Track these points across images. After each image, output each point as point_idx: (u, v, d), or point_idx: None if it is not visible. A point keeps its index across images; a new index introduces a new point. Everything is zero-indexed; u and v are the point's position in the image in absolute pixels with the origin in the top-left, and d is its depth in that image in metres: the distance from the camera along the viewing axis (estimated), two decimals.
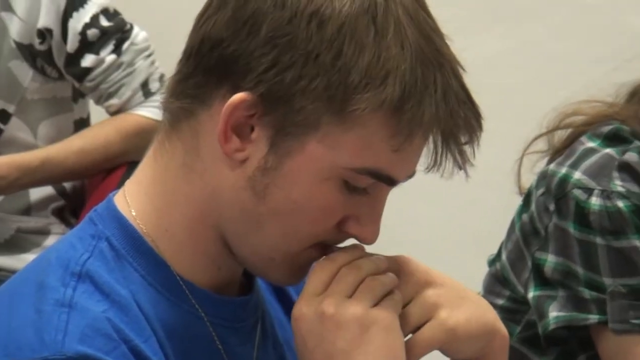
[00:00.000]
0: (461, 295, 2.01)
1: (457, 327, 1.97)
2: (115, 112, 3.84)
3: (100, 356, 1.83)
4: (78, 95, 3.92)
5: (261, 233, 1.92)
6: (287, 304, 2.08)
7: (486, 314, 2.03)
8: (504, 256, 2.79)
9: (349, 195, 1.89)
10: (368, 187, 1.90)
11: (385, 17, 1.84)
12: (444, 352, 2.01)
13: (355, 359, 1.90)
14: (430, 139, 1.88)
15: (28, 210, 3.90)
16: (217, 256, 1.97)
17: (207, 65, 1.89)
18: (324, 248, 1.94)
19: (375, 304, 1.91)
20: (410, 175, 1.93)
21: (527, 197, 2.75)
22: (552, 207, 2.66)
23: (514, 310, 2.75)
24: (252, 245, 1.94)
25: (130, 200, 1.99)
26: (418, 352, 1.96)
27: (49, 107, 3.88)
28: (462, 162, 1.89)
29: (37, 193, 3.90)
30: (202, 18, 1.91)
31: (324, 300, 1.90)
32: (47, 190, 3.90)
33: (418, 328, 1.97)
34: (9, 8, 3.71)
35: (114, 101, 3.82)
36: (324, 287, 1.91)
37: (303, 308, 1.91)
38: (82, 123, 3.96)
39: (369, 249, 1.98)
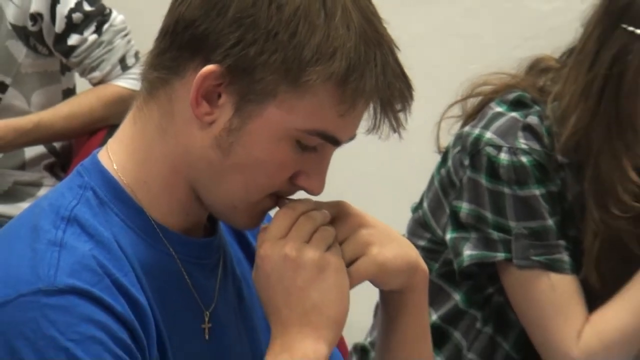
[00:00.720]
0: (389, 236, 2.02)
1: (385, 262, 1.99)
2: (97, 83, 3.85)
3: (87, 288, 1.83)
4: (65, 69, 3.93)
5: (225, 185, 1.92)
6: (245, 245, 2.10)
7: (410, 252, 2.04)
8: (425, 204, 2.80)
9: (300, 153, 1.90)
10: (317, 146, 1.91)
11: (333, 3, 1.86)
12: (374, 283, 2.02)
13: (310, 295, 1.90)
14: (371, 107, 1.89)
15: (23, 166, 3.90)
16: (187, 204, 1.97)
17: (182, 42, 1.90)
18: (278, 198, 1.95)
19: (327, 250, 1.92)
20: (352, 137, 1.94)
21: (445, 155, 2.77)
22: (466, 162, 2.66)
23: (433, 250, 2.76)
24: (217, 194, 1.94)
25: (113, 156, 1.98)
26: (352, 283, 1.96)
27: (40, 79, 3.88)
28: (396, 126, 1.92)
29: (31, 151, 3.90)
30: (177, 1, 1.91)
31: (286, 244, 1.91)
32: (40, 149, 3.91)
33: (352, 262, 1.96)
34: None
35: (96, 74, 3.83)
36: (285, 232, 1.92)
37: (268, 250, 1.91)
38: (69, 92, 3.96)
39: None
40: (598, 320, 2.60)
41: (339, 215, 1.99)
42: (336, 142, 1.92)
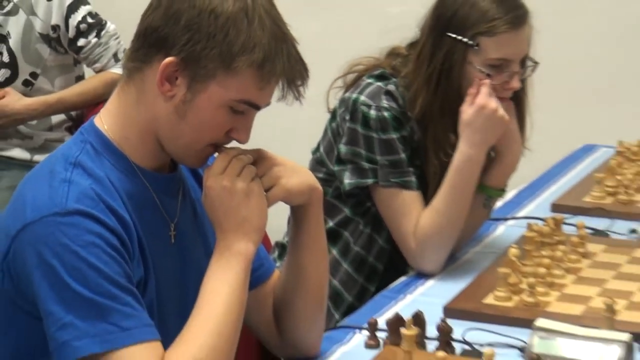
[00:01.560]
0: (294, 170, 2.03)
1: (291, 189, 2.00)
2: (98, 71, 3.82)
3: (88, 210, 1.84)
4: (76, 62, 3.88)
5: (182, 138, 1.93)
6: (198, 178, 2.07)
7: (309, 179, 2.05)
8: (321, 148, 2.78)
9: (233, 115, 1.91)
10: (244, 110, 1.91)
11: (253, 13, 1.87)
12: (285, 202, 2.03)
13: (241, 211, 1.91)
14: (280, 83, 1.91)
15: (51, 128, 3.87)
16: (155, 151, 1.96)
17: (150, 42, 1.90)
18: (217, 147, 1.95)
19: (251, 181, 1.93)
20: (268, 104, 1.94)
21: (333, 113, 2.75)
22: (347, 117, 2.66)
23: (328, 180, 2.73)
24: (176, 145, 1.94)
25: (104, 120, 1.98)
26: (269, 204, 1.98)
27: (60, 69, 3.84)
28: (298, 96, 1.93)
29: (55, 118, 3.87)
30: (146, 14, 1.93)
31: (224, 178, 1.91)
32: (61, 116, 3.87)
33: (269, 189, 1.98)
34: (34, 13, 3.69)
35: (97, 65, 3.81)
36: (223, 170, 1.92)
37: (212, 182, 1.92)
38: (80, 78, 3.91)
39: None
40: (428, 213, 2.61)
41: (259, 158, 1.99)
42: (257, 107, 1.93)
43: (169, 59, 1.88)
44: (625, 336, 2.07)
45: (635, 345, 2.10)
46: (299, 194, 2.03)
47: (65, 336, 1.79)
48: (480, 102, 2.55)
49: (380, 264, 2.74)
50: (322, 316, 2.14)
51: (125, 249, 1.87)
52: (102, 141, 1.95)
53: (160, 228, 1.98)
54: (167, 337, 1.84)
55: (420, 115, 2.64)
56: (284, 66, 1.90)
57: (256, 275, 2.08)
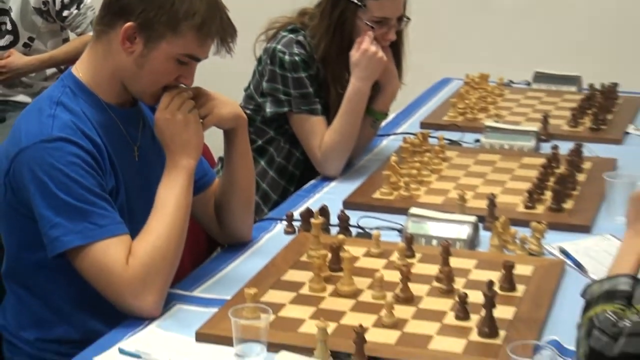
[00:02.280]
0: (225, 102, 1.97)
1: (222, 116, 1.94)
2: (79, 35, 3.67)
3: (69, 137, 1.79)
4: (63, 28, 3.72)
5: (140, 83, 1.86)
6: (152, 111, 1.97)
7: (236, 110, 1.99)
8: (251, 86, 2.69)
9: (180, 66, 1.85)
10: (188, 62, 1.85)
11: None
12: (217, 127, 1.97)
13: (182, 136, 1.86)
14: (215, 41, 1.85)
15: (46, 78, 3.71)
16: (120, 92, 1.89)
17: (113, 11, 1.84)
18: (167, 87, 1.88)
19: (190, 112, 1.87)
20: (206, 57, 1.88)
21: (259, 60, 2.66)
22: (268, 62, 2.58)
23: (257, 110, 2.64)
24: (136, 88, 1.88)
25: (79, 69, 1.91)
26: (204, 129, 1.92)
27: (50, 34, 3.68)
28: (229, 50, 1.87)
29: (49, 71, 3.71)
30: None
31: (167, 111, 1.85)
32: (54, 69, 3.71)
33: (204, 118, 1.92)
34: None
35: (79, 30, 3.65)
36: (168, 105, 1.86)
37: (159, 115, 1.86)
38: (66, 40, 3.75)
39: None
40: (329, 132, 2.55)
41: (197, 94, 1.92)
42: (198, 59, 1.88)
43: (128, 24, 1.81)
44: (472, 218, 2.10)
45: (480, 224, 2.13)
46: (229, 121, 1.98)
47: (56, 233, 1.75)
48: (364, 47, 2.51)
49: (298, 171, 2.69)
50: (251, 212, 2.10)
51: (99, 166, 1.82)
52: (78, 85, 1.88)
53: (126, 149, 1.92)
54: (135, 232, 1.82)
55: (322, 57, 2.57)
56: (218, 28, 1.84)
57: (201, 183, 2.03)
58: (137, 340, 1.69)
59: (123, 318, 1.77)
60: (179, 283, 1.91)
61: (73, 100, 1.85)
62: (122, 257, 1.75)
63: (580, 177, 2.44)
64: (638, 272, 1.64)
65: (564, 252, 2.02)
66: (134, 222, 1.85)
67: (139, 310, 1.76)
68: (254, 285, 1.82)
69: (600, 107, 2.98)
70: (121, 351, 1.66)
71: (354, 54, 2.52)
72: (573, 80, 3.35)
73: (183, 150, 1.86)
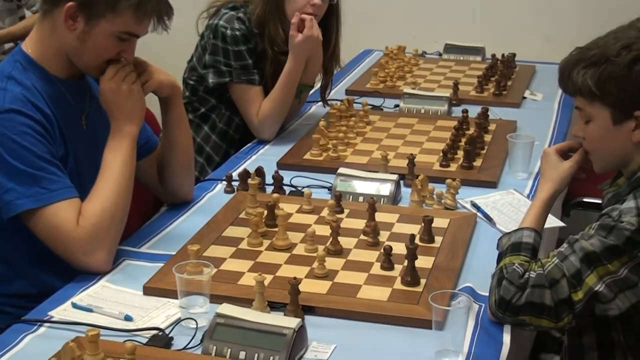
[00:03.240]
0: (162, 71, 1.88)
1: (162, 81, 1.85)
2: (35, 12, 3.50)
3: (20, 108, 1.66)
4: (19, 7, 3.56)
5: (84, 58, 1.75)
6: (98, 82, 1.83)
7: (172, 78, 1.90)
8: (194, 59, 2.55)
9: (120, 42, 1.73)
10: (128, 38, 1.74)
11: None
12: (156, 93, 1.86)
13: (127, 105, 1.75)
14: (152, 19, 1.74)
15: (4, 52, 3.55)
16: (67, 65, 1.77)
17: None
18: (110, 61, 1.76)
19: (133, 84, 1.76)
20: (145, 33, 1.77)
21: (202, 35, 2.52)
22: (211, 36, 2.44)
23: (199, 80, 2.51)
24: (80, 62, 1.76)
25: (29, 45, 1.78)
26: (145, 93, 1.82)
27: (8, 12, 3.51)
28: (166, 28, 1.76)
29: (7, 46, 3.54)
30: None
31: (112, 82, 1.74)
32: (12, 44, 3.53)
33: (145, 83, 1.81)
34: None
35: (34, 9, 3.49)
36: (112, 76, 1.75)
37: (104, 86, 1.75)
38: (22, 18, 3.58)
39: None
40: (266, 102, 2.45)
41: (138, 63, 1.82)
42: (137, 36, 1.76)
43: (70, 4, 1.70)
44: (394, 177, 2.06)
45: (401, 182, 2.08)
46: (166, 87, 1.87)
47: (9, 197, 1.66)
48: (308, 34, 2.37)
49: (237, 135, 2.58)
50: (190, 173, 2.01)
51: (49, 134, 1.71)
52: (27, 60, 1.76)
53: (74, 119, 1.81)
54: (85, 194, 1.73)
55: (258, 23, 2.44)
56: (154, 7, 1.74)
57: (145, 148, 1.94)
58: (89, 294, 1.62)
59: (77, 274, 1.68)
60: (127, 240, 1.82)
61: (23, 74, 1.73)
62: (72, 218, 1.65)
63: (487, 138, 2.41)
64: (542, 221, 1.60)
65: (475, 205, 1.99)
66: (84, 185, 1.75)
67: (90, 267, 1.67)
68: (197, 242, 1.76)
69: (502, 75, 2.96)
70: (74, 305, 1.58)
71: (297, 37, 2.39)
72: (478, 50, 3.33)
73: (127, 118, 1.75)
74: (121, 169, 1.71)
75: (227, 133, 2.57)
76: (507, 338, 1.47)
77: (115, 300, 1.57)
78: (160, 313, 1.53)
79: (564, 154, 1.66)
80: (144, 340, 1.44)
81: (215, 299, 1.52)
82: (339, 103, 2.61)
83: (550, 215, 1.91)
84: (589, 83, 1.50)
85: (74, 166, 1.77)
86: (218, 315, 1.41)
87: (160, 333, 1.46)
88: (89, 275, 1.67)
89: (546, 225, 1.87)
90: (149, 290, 1.61)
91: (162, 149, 1.96)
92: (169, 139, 1.93)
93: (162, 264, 1.69)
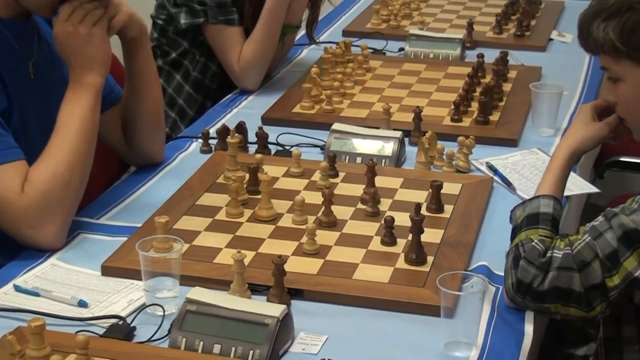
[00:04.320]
0: (130, 6, 1.80)
1: (132, 15, 1.78)
2: None
3: None
4: None
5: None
6: (50, 23, 1.78)
7: (139, 15, 1.82)
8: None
9: None
10: None
11: None
12: (124, 32, 1.79)
13: (87, 51, 1.68)
14: None
15: None
16: (11, 3, 1.69)
17: None
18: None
19: (94, 25, 1.68)
20: None
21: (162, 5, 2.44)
22: (171, 4, 2.38)
23: (169, 20, 2.42)
24: (28, 2, 1.69)
25: None
26: (115, 30, 1.75)
27: None
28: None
29: None
30: None
31: (68, 25, 1.66)
32: None
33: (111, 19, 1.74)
34: None
35: None
36: (68, 17, 1.67)
37: (57, 29, 1.68)
38: None
39: None
40: (249, 44, 2.38)
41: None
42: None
43: None
44: (398, 134, 2.04)
45: (406, 139, 2.06)
46: (136, 22, 1.80)
47: None
48: None
49: (215, 85, 2.52)
50: (161, 129, 1.94)
51: None
52: None
53: (19, 66, 1.73)
54: (33, 157, 1.65)
55: None
56: None
57: (107, 100, 1.86)
58: (35, 275, 1.57)
59: (21, 250, 1.63)
60: (84, 210, 1.78)
61: None
62: (16, 184, 1.58)
63: (506, 87, 2.38)
64: (561, 187, 1.54)
65: (492, 168, 1.94)
66: (32, 146, 1.68)
67: (37, 242, 1.61)
68: (167, 212, 1.72)
69: (524, 12, 2.91)
70: (17, 288, 1.52)
71: None
72: None
73: (87, 66, 1.68)
74: (79, 127, 1.64)
75: (202, 82, 2.50)
76: (529, 327, 1.43)
77: (68, 283, 1.52)
78: (120, 298, 1.49)
79: (602, 114, 1.61)
80: (101, 331, 1.40)
81: (187, 280, 1.48)
82: (334, 46, 2.55)
83: (579, 178, 1.86)
84: (612, 37, 1.46)
85: (19, 123, 1.69)
86: (189, 301, 1.38)
87: (121, 322, 1.42)
88: (36, 252, 1.61)
89: (574, 191, 1.83)
90: (108, 270, 1.56)
91: (126, 102, 1.89)
92: (135, 89, 1.86)
93: (124, 239, 1.65)
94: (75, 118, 1.64)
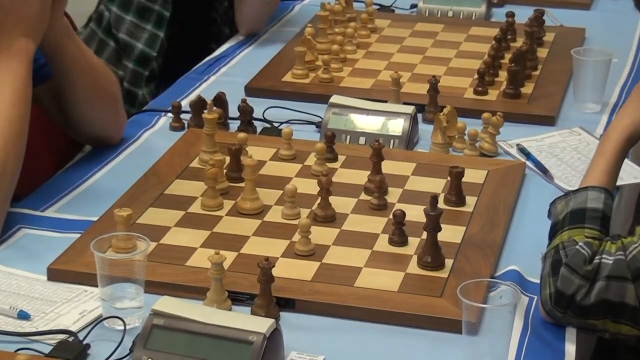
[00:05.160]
0: None
1: None
2: None
3: None
4: None
5: None
6: None
7: None
8: None
9: None
10: None
11: None
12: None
13: (21, 10, 1.68)
14: None
15: None
16: None
17: None
18: None
19: None
20: None
21: None
22: None
23: None
24: None
25: None
26: None
27: None
28: None
29: None
30: None
31: None
32: None
33: None
34: None
35: None
36: None
37: None
38: None
39: None
40: None
41: None
42: None
43: None
44: (409, 109, 2.06)
45: (419, 116, 2.08)
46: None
47: None
48: None
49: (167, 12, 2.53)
50: (116, 102, 1.94)
51: None
52: None
53: None
54: None
55: None
56: None
57: (45, 71, 1.86)
58: None
59: None
60: (25, 200, 1.80)
61: None
62: None
63: (542, 53, 2.42)
64: (614, 176, 1.54)
65: (524, 151, 1.96)
66: None
67: None
68: (129, 203, 1.75)
69: None
70: None
71: None
72: None
73: (19, 30, 1.68)
74: (12, 100, 1.65)
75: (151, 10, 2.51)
76: (570, 347, 1.43)
77: (5, 289, 1.52)
78: (71, 308, 1.49)
79: None
80: (48, 349, 1.39)
81: (153, 287, 1.49)
82: (332, 1, 2.58)
83: (633, 165, 1.86)
84: None
85: None
86: (155, 313, 1.37)
87: (71, 338, 1.41)
88: None
89: (627, 181, 1.83)
90: (56, 274, 1.57)
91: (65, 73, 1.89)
92: (68, 78, 1.84)
93: (76, 236, 1.66)
94: (5, 91, 1.65)
